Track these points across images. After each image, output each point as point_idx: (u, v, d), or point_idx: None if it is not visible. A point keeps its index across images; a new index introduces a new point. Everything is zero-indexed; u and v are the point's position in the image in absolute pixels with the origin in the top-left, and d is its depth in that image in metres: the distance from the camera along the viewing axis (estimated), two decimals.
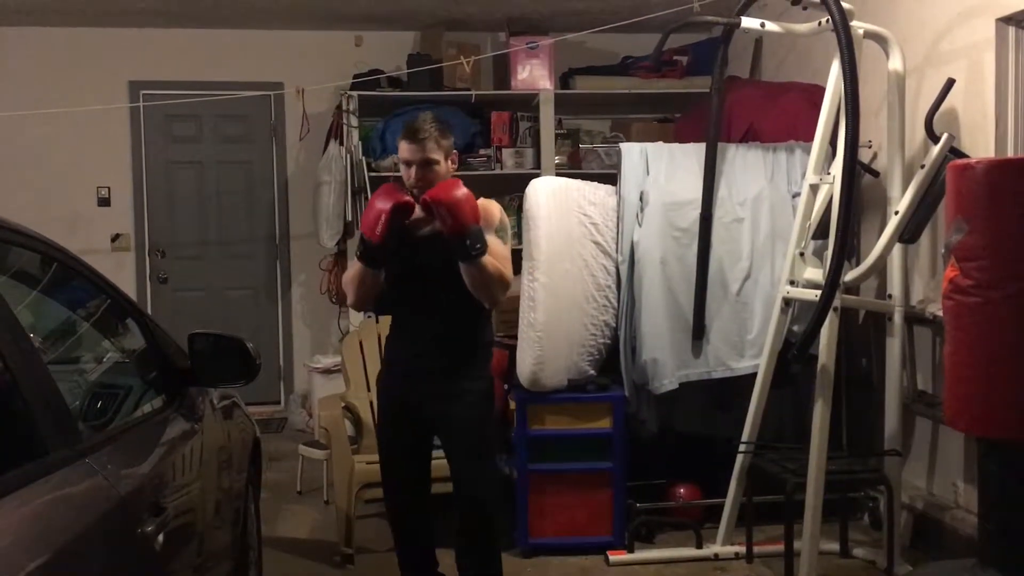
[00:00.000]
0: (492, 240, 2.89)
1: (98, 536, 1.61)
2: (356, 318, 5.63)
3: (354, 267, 2.96)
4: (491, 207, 3.00)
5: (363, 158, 5.68)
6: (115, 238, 6.49)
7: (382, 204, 2.78)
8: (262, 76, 6.39)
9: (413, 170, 2.89)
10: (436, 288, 2.96)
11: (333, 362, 5.68)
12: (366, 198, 5.61)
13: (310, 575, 3.94)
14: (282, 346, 6.72)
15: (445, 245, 2.82)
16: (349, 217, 5.67)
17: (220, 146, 6.66)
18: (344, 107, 5.75)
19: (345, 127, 5.73)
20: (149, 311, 6.09)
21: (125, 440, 2.02)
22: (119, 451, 1.91)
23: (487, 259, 2.81)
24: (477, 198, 2.91)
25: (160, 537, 1.80)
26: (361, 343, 4.65)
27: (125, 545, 1.70)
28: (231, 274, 6.69)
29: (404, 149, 2.91)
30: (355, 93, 5.74)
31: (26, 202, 5.87)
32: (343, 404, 4.41)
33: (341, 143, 5.76)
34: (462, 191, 2.78)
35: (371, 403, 4.55)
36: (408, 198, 2.81)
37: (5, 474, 1.51)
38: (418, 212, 2.83)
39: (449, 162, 2.96)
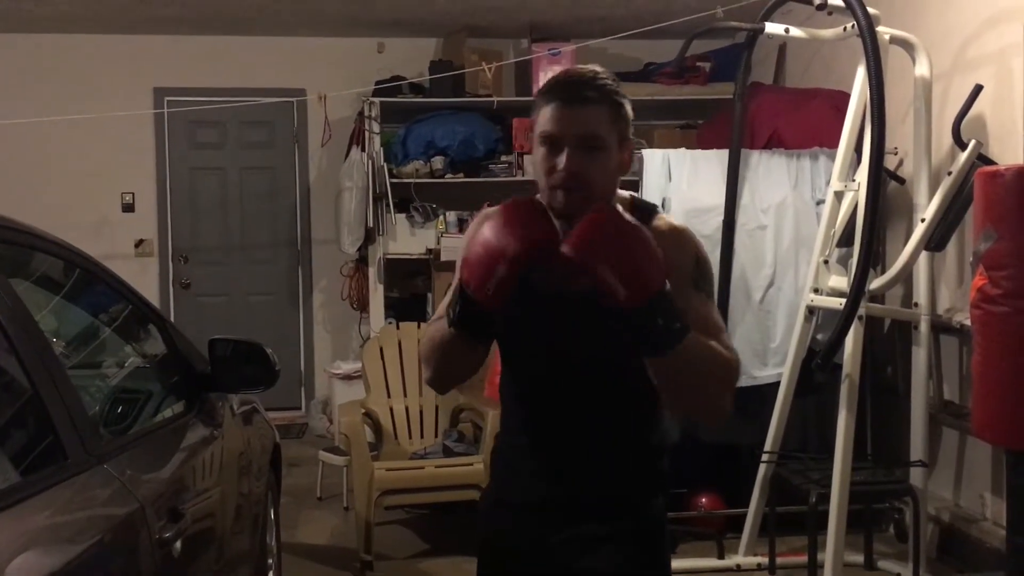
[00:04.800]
0: (690, 297, 1.63)
1: (116, 541, 1.61)
2: (377, 324, 5.64)
3: (439, 330, 1.68)
4: (679, 237, 1.70)
5: (385, 164, 5.69)
6: (139, 244, 6.53)
7: (510, 242, 1.50)
8: (285, 83, 6.41)
9: (563, 157, 1.58)
10: (591, 380, 1.71)
11: (354, 368, 5.68)
12: (387, 205, 5.61)
13: None
14: (303, 352, 6.73)
15: (611, 316, 1.53)
16: (370, 223, 5.68)
17: (243, 152, 6.69)
18: (366, 113, 5.76)
19: (367, 133, 5.74)
20: (172, 316, 6.13)
21: (144, 445, 2.02)
22: (138, 456, 1.91)
23: (693, 341, 1.53)
24: (649, 213, 1.72)
25: (178, 543, 1.80)
26: (382, 349, 4.65)
27: (143, 551, 1.69)
28: (253, 280, 6.71)
29: (549, 117, 1.60)
30: (377, 99, 5.75)
31: (51, 207, 5.92)
32: (363, 410, 4.41)
33: (363, 149, 5.77)
34: (634, 228, 1.51)
35: (391, 409, 4.55)
36: (552, 234, 1.52)
37: (25, 479, 1.51)
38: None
39: (625, 155, 1.66)
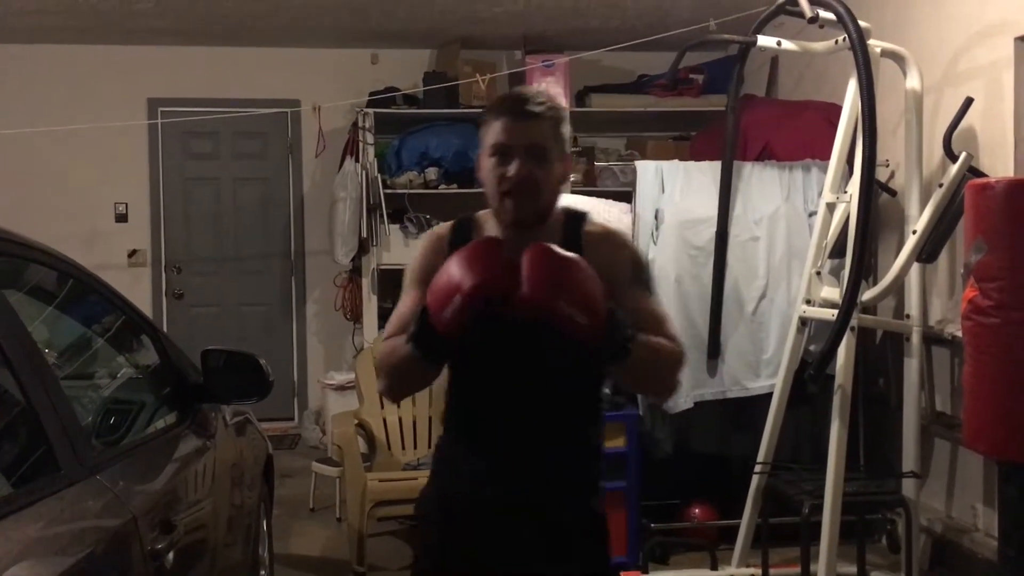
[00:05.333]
0: (634, 295, 1.80)
1: (109, 553, 1.60)
2: (370, 335, 5.63)
3: (396, 345, 1.77)
4: (614, 239, 1.88)
5: (379, 175, 5.69)
6: (132, 254, 6.52)
7: (465, 277, 1.61)
8: (279, 93, 6.42)
9: (514, 165, 1.74)
10: (544, 386, 1.83)
11: (347, 379, 5.67)
12: (381, 215, 5.61)
13: None
14: (296, 362, 6.72)
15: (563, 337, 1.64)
16: (364, 234, 5.68)
17: (237, 163, 6.69)
18: (360, 124, 5.77)
19: (361, 144, 5.75)
20: (164, 327, 6.11)
21: (137, 456, 2.02)
22: (131, 468, 1.91)
23: (643, 340, 1.69)
24: (579, 220, 1.86)
25: (171, 554, 1.79)
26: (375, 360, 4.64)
27: (136, 562, 1.69)
28: (246, 290, 6.70)
29: (500, 129, 1.77)
30: (371, 110, 5.76)
31: (44, 218, 5.90)
32: (356, 421, 4.40)
33: (357, 160, 5.78)
34: (573, 258, 1.64)
35: (384, 420, 4.54)
36: (511, 275, 1.60)
37: (17, 490, 1.51)
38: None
39: (565, 168, 1.84)
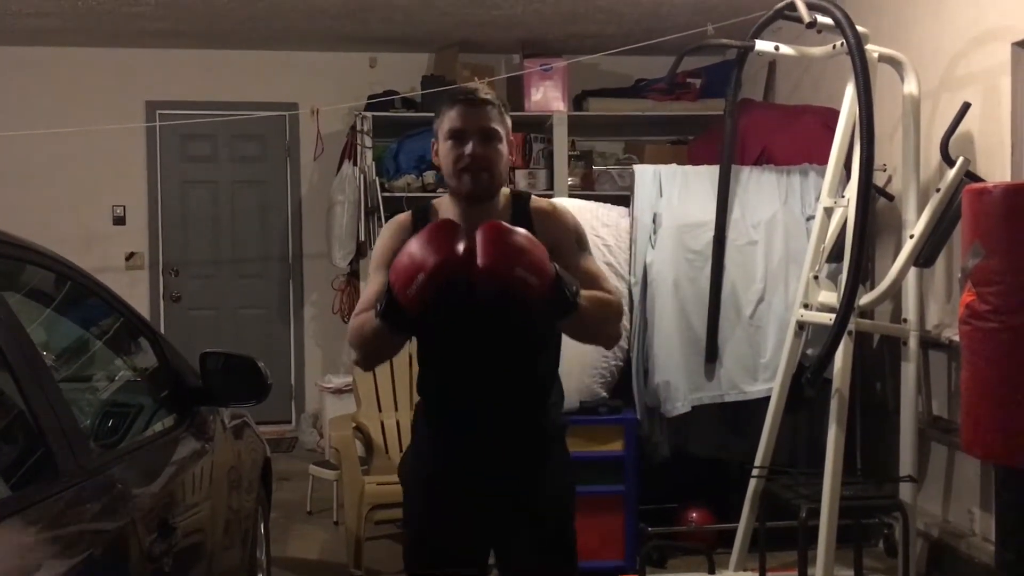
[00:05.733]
0: (577, 257, 2.13)
1: (107, 555, 1.60)
2: None
3: (366, 320, 2.00)
4: (558, 212, 2.20)
5: (376, 178, 5.70)
6: (129, 257, 6.52)
7: (426, 256, 1.81)
8: (277, 96, 6.42)
9: (470, 145, 2.04)
10: (505, 341, 2.11)
11: (344, 382, 5.67)
12: (379, 218, 5.61)
13: None
14: (294, 365, 6.72)
15: (519, 305, 1.90)
16: (362, 237, 5.68)
17: (235, 166, 6.69)
18: (358, 127, 5.77)
19: (359, 147, 5.75)
20: (162, 330, 6.10)
21: (135, 459, 2.02)
22: (129, 470, 1.91)
23: (585, 295, 1.96)
24: (526, 199, 2.17)
25: (169, 557, 1.79)
26: None
27: (134, 564, 1.69)
28: (244, 293, 6.70)
29: (455, 116, 2.07)
30: (369, 114, 5.76)
31: (42, 220, 5.90)
32: (354, 424, 4.40)
33: (355, 163, 5.78)
34: (518, 230, 1.88)
35: (382, 423, 4.54)
36: (467, 251, 1.82)
37: (15, 492, 1.51)
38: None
39: (511, 151, 2.16)
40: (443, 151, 2.10)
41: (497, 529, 2.18)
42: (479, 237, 1.82)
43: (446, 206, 2.16)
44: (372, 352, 2.08)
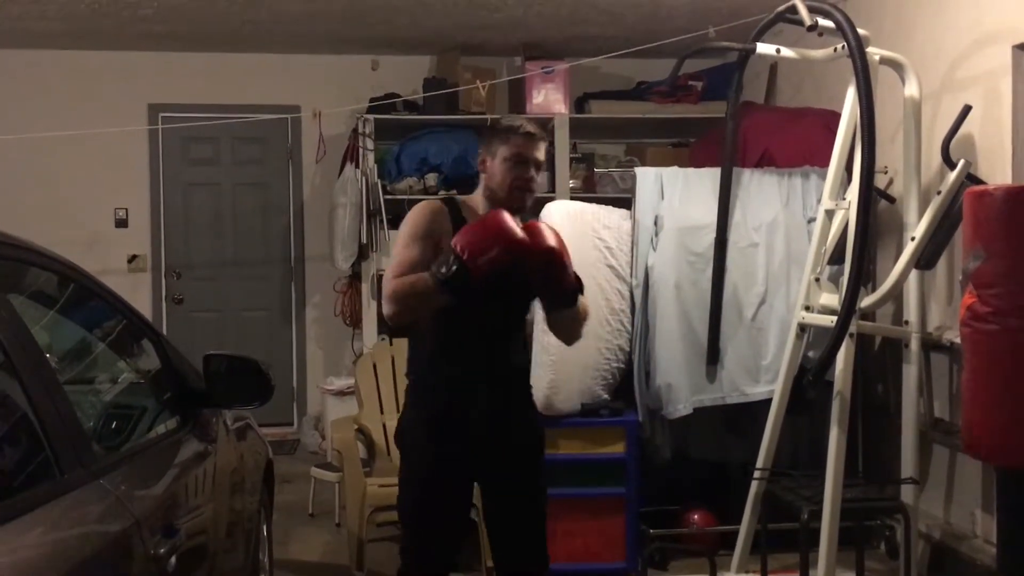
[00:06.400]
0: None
1: (110, 558, 1.61)
2: (370, 340, 5.64)
3: (421, 281, 2.39)
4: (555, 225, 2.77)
5: (378, 181, 5.71)
6: (132, 259, 6.53)
7: (500, 234, 2.33)
8: (279, 99, 6.44)
9: (531, 171, 2.58)
10: (506, 316, 2.68)
11: (346, 384, 5.68)
12: (381, 221, 5.63)
13: None
14: (296, 368, 6.73)
15: (528, 286, 2.54)
16: (364, 239, 5.69)
17: (237, 168, 6.71)
18: (360, 130, 5.78)
19: (361, 150, 5.76)
20: (164, 332, 6.11)
21: (139, 461, 2.03)
22: (133, 472, 1.91)
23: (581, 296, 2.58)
24: (537, 211, 2.82)
25: (173, 559, 1.80)
26: (375, 365, 4.65)
27: (137, 567, 1.69)
28: (246, 295, 6.71)
29: (517, 143, 2.57)
30: (371, 116, 5.77)
31: (45, 222, 5.90)
32: (356, 426, 4.40)
33: (357, 166, 5.79)
34: (557, 231, 2.50)
35: (383, 425, 4.55)
36: (529, 243, 2.37)
37: (19, 495, 1.51)
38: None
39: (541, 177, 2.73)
40: (500, 169, 2.57)
41: (484, 453, 2.61)
42: (539, 229, 2.42)
43: (478, 204, 2.63)
44: (413, 308, 2.46)
